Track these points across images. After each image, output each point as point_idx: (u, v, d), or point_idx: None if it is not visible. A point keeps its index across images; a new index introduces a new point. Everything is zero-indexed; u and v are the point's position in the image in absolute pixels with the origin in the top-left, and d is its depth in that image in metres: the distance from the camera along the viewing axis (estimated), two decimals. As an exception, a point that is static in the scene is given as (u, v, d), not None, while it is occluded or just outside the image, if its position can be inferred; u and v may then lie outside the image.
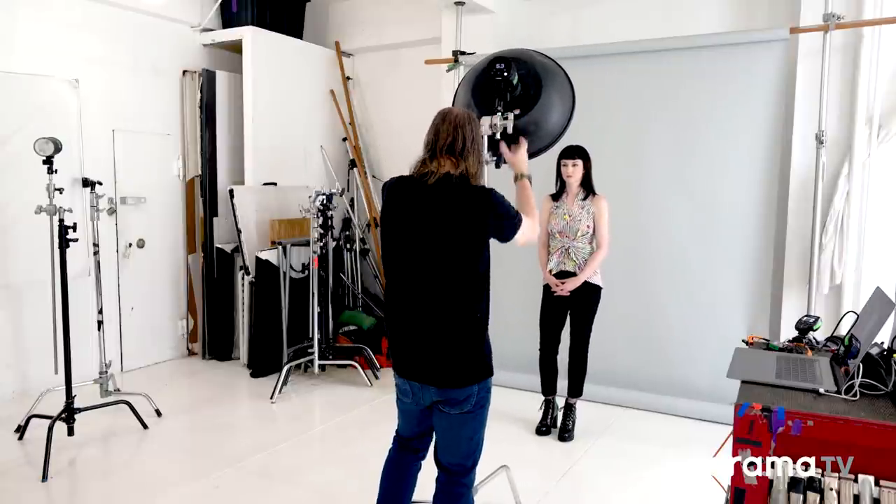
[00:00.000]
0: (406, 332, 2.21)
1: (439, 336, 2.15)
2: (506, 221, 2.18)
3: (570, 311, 3.90)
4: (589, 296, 3.83)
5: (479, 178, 2.20)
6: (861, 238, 4.05)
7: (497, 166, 2.59)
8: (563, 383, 4.00)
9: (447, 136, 2.17)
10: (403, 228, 2.18)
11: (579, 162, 3.81)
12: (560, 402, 4.03)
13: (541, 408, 4.06)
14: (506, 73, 2.47)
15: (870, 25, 3.91)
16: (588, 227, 3.81)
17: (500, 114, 2.49)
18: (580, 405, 4.04)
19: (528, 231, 2.26)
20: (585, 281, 3.80)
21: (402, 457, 2.42)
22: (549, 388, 4.02)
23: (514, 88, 2.53)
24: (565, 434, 3.89)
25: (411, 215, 2.17)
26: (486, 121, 2.48)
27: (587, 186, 3.86)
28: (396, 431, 2.45)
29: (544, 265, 3.93)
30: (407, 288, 2.19)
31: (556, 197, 3.92)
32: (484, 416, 2.24)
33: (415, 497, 2.69)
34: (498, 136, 2.50)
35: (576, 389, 3.95)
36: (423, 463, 2.45)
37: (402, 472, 2.41)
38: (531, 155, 2.63)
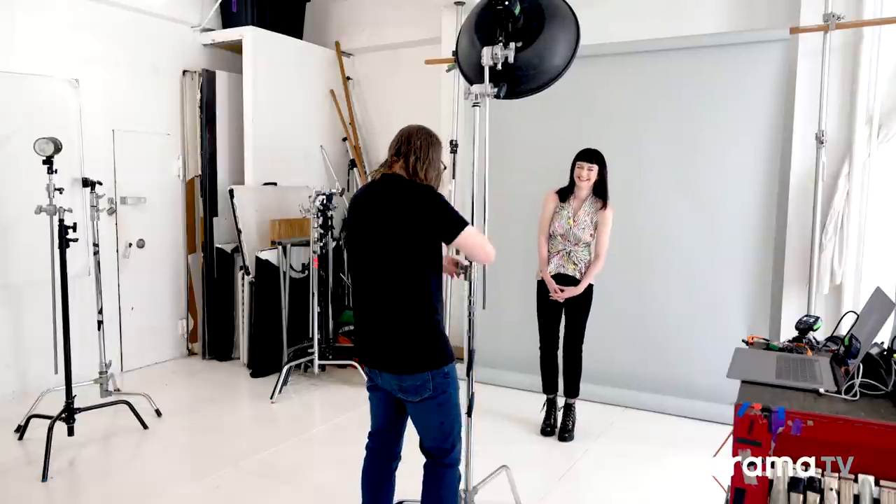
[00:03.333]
0: (365, 322, 2.34)
1: (391, 326, 2.28)
2: (447, 218, 2.26)
3: (564, 311, 3.90)
4: (582, 295, 3.82)
5: (428, 176, 2.32)
6: (861, 238, 4.05)
7: (497, 96, 2.57)
8: (561, 383, 4.00)
9: (397, 144, 2.36)
10: (357, 226, 2.33)
11: (595, 167, 3.73)
12: (561, 401, 4.03)
13: (542, 408, 4.06)
14: (507, 2, 2.46)
15: (870, 25, 3.91)
16: (591, 235, 3.77)
17: (500, 44, 2.48)
18: (580, 405, 4.04)
19: (475, 238, 2.32)
20: (580, 282, 3.79)
21: (376, 462, 2.49)
22: (550, 385, 4.01)
23: (517, 19, 2.51)
24: (565, 434, 3.89)
25: (362, 213, 2.32)
26: (486, 51, 2.49)
27: (600, 194, 3.79)
28: (369, 432, 2.52)
29: (544, 261, 3.88)
30: (363, 281, 2.34)
31: (563, 196, 3.86)
32: (450, 402, 2.32)
33: (409, 497, 2.70)
34: (499, 66, 2.50)
35: (572, 390, 3.95)
36: (410, 457, 2.49)
37: (379, 479, 2.49)
38: (531, 91, 2.65)
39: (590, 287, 3.84)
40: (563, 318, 3.94)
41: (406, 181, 2.29)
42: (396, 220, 2.23)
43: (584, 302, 3.83)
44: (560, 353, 3.97)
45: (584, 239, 3.77)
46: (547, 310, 3.92)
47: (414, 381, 2.25)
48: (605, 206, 3.78)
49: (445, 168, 2.44)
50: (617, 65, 4.54)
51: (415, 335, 2.25)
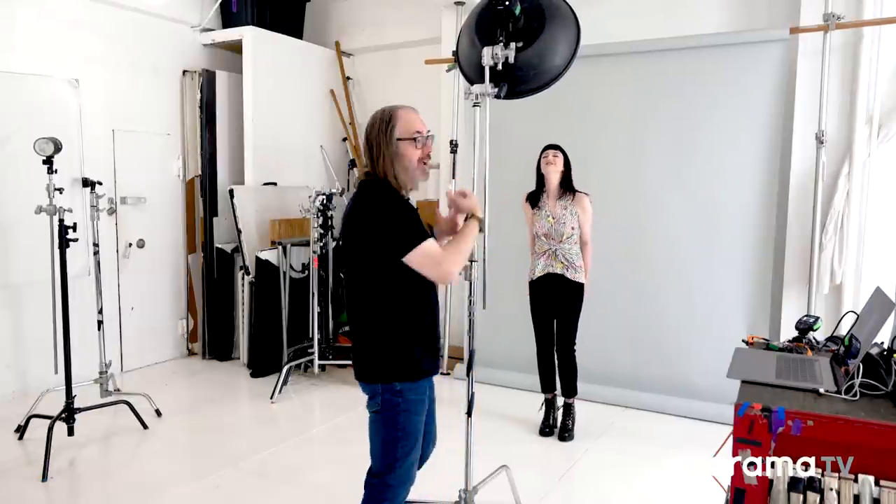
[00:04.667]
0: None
1: (354, 332, 2.21)
2: (386, 239, 2.03)
3: (556, 310, 3.89)
4: (574, 293, 3.82)
5: (386, 170, 2.11)
6: (861, 238, 4.05)
7: (498, 96, 2.57)
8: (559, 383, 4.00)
9: (363, 149, 2.21)
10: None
11: (560, 154, 3.81)
12: (559, 401, 4.03)
13: (541, 408, 4.05)
14: (507, 2, 2.46)
15: (870, 25, 3.91)
16: (573, 228, 3.79)
17: (501, 44, 2.48)
18: (580, 405, 4.04)
19: (427, 261, 2.05)
20: (569, 279, 3.79)
21: None
22: (548, 385, 4.01)
23: (517, 19, 2.52)
24: (565, 434, 3.89)
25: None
26: (487, 51, 2.49)
27: (567, 186, 3.85)
28: None
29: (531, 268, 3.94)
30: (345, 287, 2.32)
31: (535, 200, 3.90)
32: (394, 422, 2.14)
33: (409, 497, 2.70)
34: (499, 66, 2.49)
35: (569, 389, 3.95)
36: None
37: None
38: (531, 91, 2.63)
39: (580, 287, 3.83)
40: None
41: (363, 186, 2.13)
42: (345, 235, 2.15)
43: (574, 302, 3.83)
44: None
45: (566, 232, 3.78)
46: (540, 310, 3.93)
47: (368, 391, 2.17)
48: (576, 194, 3.82)
49: (418, 138, 2.13)
50: (617, 65, 4.54)
51: (370, 344, 2.14)
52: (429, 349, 2.20)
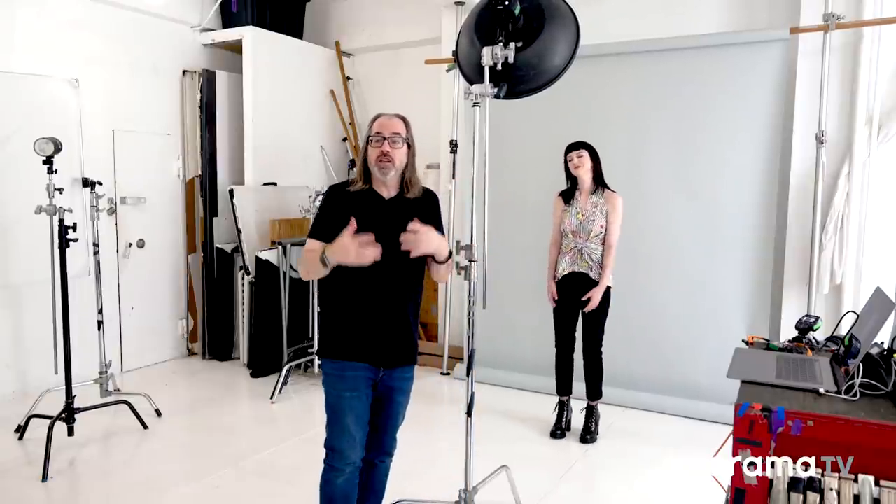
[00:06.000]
0: None
1: None
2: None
3: (581, 313, 3.86)
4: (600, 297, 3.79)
5: (360, 164, 2.37)
6: (861, 238, 4.05)
7: (497, 96, 2.57)
8: (579, 385, 3.97)
9: None
10: None
11: (585, 153, 3.77)
12: (574, 403, 4.02)
13: (555, 409, 4.03)
14: (507, 2, 2.47)
15: (870, 25, 3.92)
16: (601, 226, 3.75)
17: (500, 44, 2.49)
18: (581, 405, 4.02)
19: (302, 255, 2.32)
20: (594, 280, 3.76)
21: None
22: (564, 387, 3.99)
23: (517, 19, 2.52)
24: (587, 436, 3.86)
25: None
26: (486, 51, 2.50)
27: (599, 181, 3.82)
28: None
29: (553, 265, 3.90)
30: None
31: (567, 197, 3.86)
32: (323, 392, 2.33)
33: (406, 496, 2.70)
34: (499, 66, 2.50)
35: (594, 392, 3.92)
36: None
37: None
38: (531, 91, 2.65)
39: (607, 289, 3.79)
40: (579, 321, 3.90)
41: None
42: None
43: (601, 304, 3.78)
44: (577, 355, 3.94)
45: (594, 230, 3.74)
46: (564, 312, 3.89)
47: None
48: (606, 191, 3.78)
49: (376, 138, 2.28)
50: (617, 65, 4.54)
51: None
52: (351, 334, 2.29)
